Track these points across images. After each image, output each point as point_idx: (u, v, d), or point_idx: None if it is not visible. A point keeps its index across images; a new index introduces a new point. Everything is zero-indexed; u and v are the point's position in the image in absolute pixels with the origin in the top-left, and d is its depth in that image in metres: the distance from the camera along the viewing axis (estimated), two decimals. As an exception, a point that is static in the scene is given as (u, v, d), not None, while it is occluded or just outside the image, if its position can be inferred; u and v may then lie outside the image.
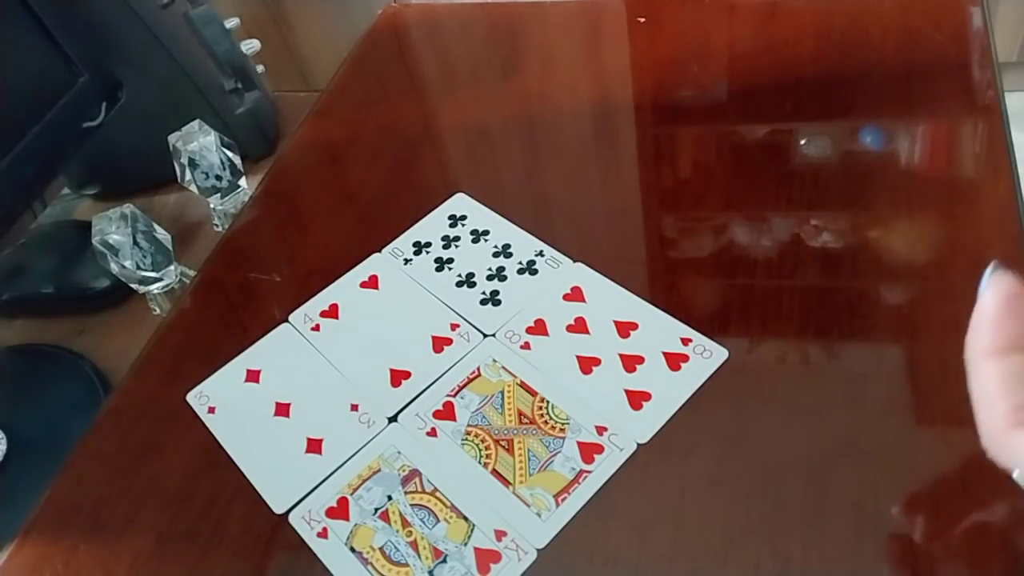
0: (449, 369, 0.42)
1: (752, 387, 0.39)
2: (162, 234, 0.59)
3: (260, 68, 0.81)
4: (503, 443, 0.38)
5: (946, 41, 0.55)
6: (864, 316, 0.41)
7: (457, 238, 0.49)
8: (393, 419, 0.40)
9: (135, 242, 0.57)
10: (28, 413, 0.59)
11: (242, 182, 0.65)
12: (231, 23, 0.77)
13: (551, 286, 0.45)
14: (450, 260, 0.48)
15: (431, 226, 0.50)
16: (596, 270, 0.45)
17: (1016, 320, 0.25)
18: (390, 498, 0.37)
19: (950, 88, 0.52)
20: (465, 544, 0.35)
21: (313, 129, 0.61)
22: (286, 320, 0.47)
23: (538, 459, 0.37)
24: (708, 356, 0.40)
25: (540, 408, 0.39)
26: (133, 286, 0.59)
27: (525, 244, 0.48)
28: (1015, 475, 0.24)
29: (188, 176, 0.61)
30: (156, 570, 0.37)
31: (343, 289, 0.48)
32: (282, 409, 0.42)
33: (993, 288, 0.25)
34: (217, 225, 0.68)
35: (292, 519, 0.37)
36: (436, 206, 0.51)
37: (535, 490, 0.36)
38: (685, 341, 0.41)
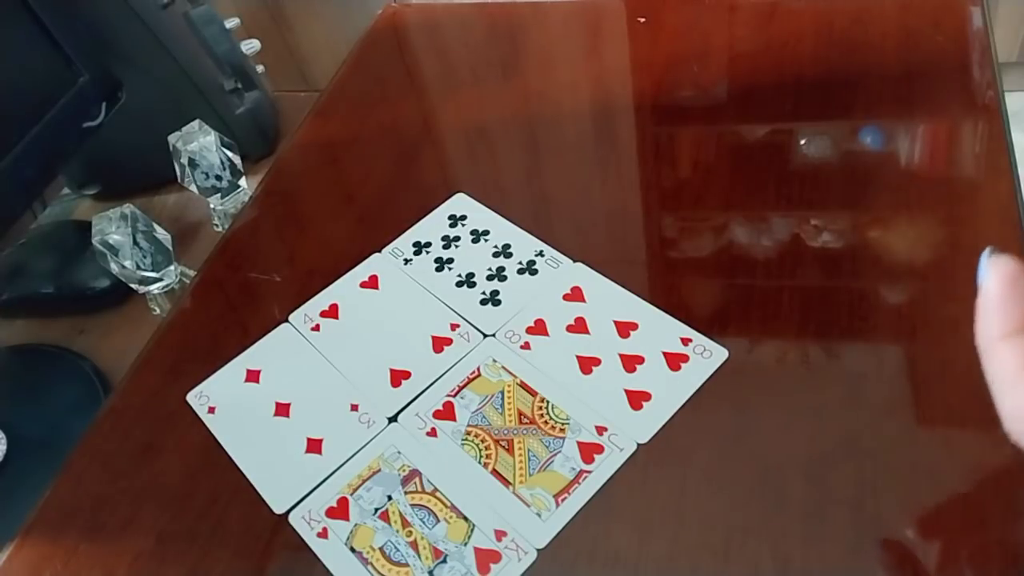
0: (449, 369, 0.42)
1: (752, 387, 0.39)
2: (162, 234, 0.59)
3: (260, 68, 0.81)
4: (503, 443, 0.38)
5: (946, 41, 0.55)
6: (864, 316, 0.41)
7: (457, 238, 0.49)
8: (393, 419, 0.40)
9: (135, 242, 0.57)
10: (28, 413, 0.59)
11: (242, 182, 0.65)
12: (231, 23, 0.77)
13: (551, 286, 0.45)
14: (450, 260, 0.48)
15: (431, 226, 0.50)
16: (596, 270, 0.45)
17: (1022, 300, 0.24)
18: (390, 498, 0.37)
19: (950, 88, 0.52)
20: (465, 544, 0.35)
21: (313, 129, 0.61)
22: (286, 320, 0.47)
23: (538, 459, 0.37)
24: (708, 356, 0.40)
25: (540, 408, 0.39)
26: (133, 286, 0.59)
27: (525, 244, 0.48)
28: None
29: (188, 176, 0.61)
30: (156, 570, 0.37)
31: (343, 289, 0.48)
32: (282, 409, 0.42)
33: (994, 272, 0.25)
34: (217, 225, 0.68)
35: (292, 519, 0.37)
36: (436, 206, 0.51)
37: (535, 490, 0.36)
38: (685, 341, 0.41)
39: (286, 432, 0.41)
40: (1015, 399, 0.24)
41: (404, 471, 0.38)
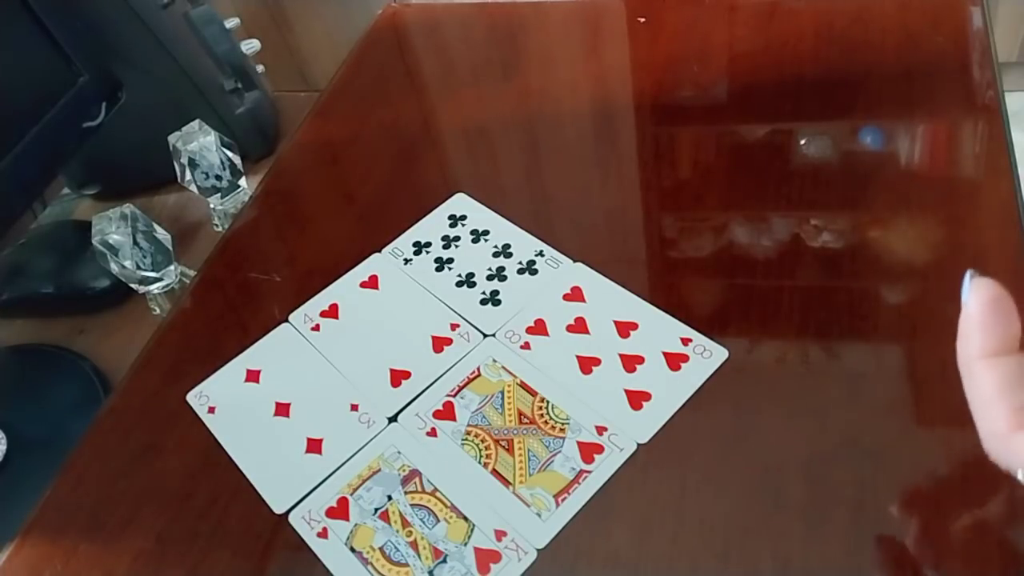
0: (449, 369, 0.42)
1: (752, 387, 0.39)
2: (162, 234, 0.59)
3: (260, 68, 0.81)
4: (503, 443, 0.38)
5: (946, 41, 0.55)
6: (864, 316, 0.41)
7: (457, 238, 0.49)
8: (393, 419, 0.40)
9: (135, 242, 0.57)
10: (28, 413, 0.59)
11: (242, 182, 0.65)
12: (231, 23, 0.77)
13: (551, 286, 0.45)
14: (450, 260, 0.48)
15: (431, 226, 0.50)
16: (596, 270, 0.45)
17: (1002, 322, 0.25)
18: (390, 498, 0.37)
19: (950, 88, 0.52)
20: (465, 544, 0.35)
21: (313, 129, 0.61)
22: (286, 320, 0.47)
23: (538, 459, 0.37)
24: (708, 356, 0.40)
25: (540, 408, 0.39)
26: (133, 286, 0.59)
27: (525, 244, 0.48)
28: (1019, 476, 0.24)
29: (188, 176, 0.61)
30: (156, 570, 0.37)
31: (343, 289, 0.48)
32: (282, 409, 0.42)
33: (976, 294, 0.26)
34: (217, 225, 0.68)
35: (292, 519, 0.37)
36: (436, 206, 0.51)
37: (535, 490, 0.36)
38: (685, 341, 0.41)
39: (286, 432, 0.41)
40: (991, 419, 0.25)
41: (404, 471, 0.38)
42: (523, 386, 0.40)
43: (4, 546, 0.39)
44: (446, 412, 0.40)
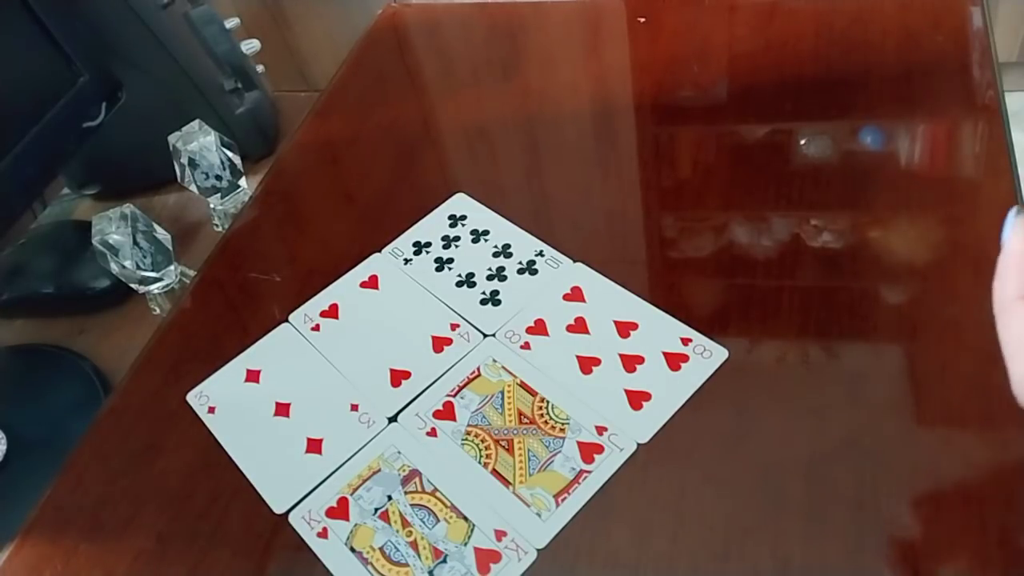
0: (449, 369, 0.42)
1: (752, 387, 0.39)
2: (162, 234, 0.59)
3: (260, 68, 0.81)
4: (503, 443, 0.38)
5: (946, 41, 0.55)
6: (864, 316, 0.41)
7: (457, 238, 0.49)
8: (393, 419, 0.40)
9: (135, 242, 0.57)
10: (28, 413, 0.59)
11: (242, 182, 0.65)
12: (231, 23, 0.77)
13: (551, 286, 0.45)
14: (450, 260, 0.48)
15: (431, 226, 0.50)
16: (596, 270, 0.45)
17: None
18: (390, 498, 0.37)
19: (950, 88, 0.52)
20: (465, 544, 0.35)
21: (313, 129, 0.61)
22: (286, 320, 0.47)
23: (538, 459, 0.37)
24: (708, 356, 0.40)
25: (540, 408, 0.39)
26: (133, 286, 0.59)
27: (525, 244, 0.48)
28: None
29: (188, 176, 0.61)
30: (156, 570, 0.37)
31: (343, 289, 0.48)
32: (282, 409, 0.42)
33: (1018, 232, 0.24)
34: (217, 225, 0.68)
35: (292, 519, 0.37)
36: (436, 206, 0.51)
37: (535, 490, 0.36)
38: (685, 341, 0.41)
39: (286, 432, 0.41)
40: None
41: (404, 471, 0.38)
42: (523, 386, 0.40)
43: (4, 546, 0.40)
44: (446, 412, 0.40)
